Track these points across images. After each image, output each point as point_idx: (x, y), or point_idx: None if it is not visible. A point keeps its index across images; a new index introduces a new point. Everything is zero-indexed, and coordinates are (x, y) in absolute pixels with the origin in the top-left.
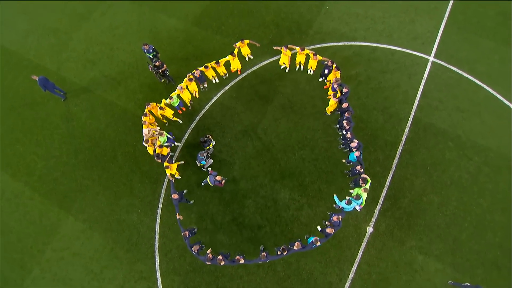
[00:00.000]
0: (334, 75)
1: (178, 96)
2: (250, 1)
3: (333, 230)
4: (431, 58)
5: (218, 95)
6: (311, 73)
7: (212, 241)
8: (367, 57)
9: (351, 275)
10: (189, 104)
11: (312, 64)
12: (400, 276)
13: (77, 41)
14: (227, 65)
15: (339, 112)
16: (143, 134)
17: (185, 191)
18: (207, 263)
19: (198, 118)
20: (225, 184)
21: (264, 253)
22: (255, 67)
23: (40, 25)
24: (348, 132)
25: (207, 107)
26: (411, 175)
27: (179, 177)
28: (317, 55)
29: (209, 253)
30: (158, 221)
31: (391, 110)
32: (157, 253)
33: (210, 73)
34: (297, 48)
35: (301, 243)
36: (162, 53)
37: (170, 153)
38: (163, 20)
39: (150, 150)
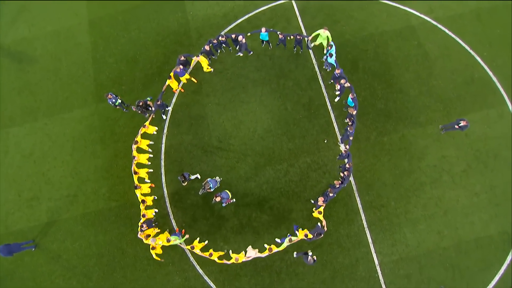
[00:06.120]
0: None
1: (171, 236)
2: (129, 51)
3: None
4: None
5: (163, 141)
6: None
7: (248, 244)
8: (249, 29)
9: (354, 187)
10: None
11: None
12: (383, 161)
13: (2, 191)
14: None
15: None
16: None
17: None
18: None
19: (162, 171)
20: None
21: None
22: (173, 99)
23: None
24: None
25: (162, 156)
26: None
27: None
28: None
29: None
30: (198, 267)
31: (294, 57)
32: None
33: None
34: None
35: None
36: (89, 143)
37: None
38: (68, 117)
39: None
